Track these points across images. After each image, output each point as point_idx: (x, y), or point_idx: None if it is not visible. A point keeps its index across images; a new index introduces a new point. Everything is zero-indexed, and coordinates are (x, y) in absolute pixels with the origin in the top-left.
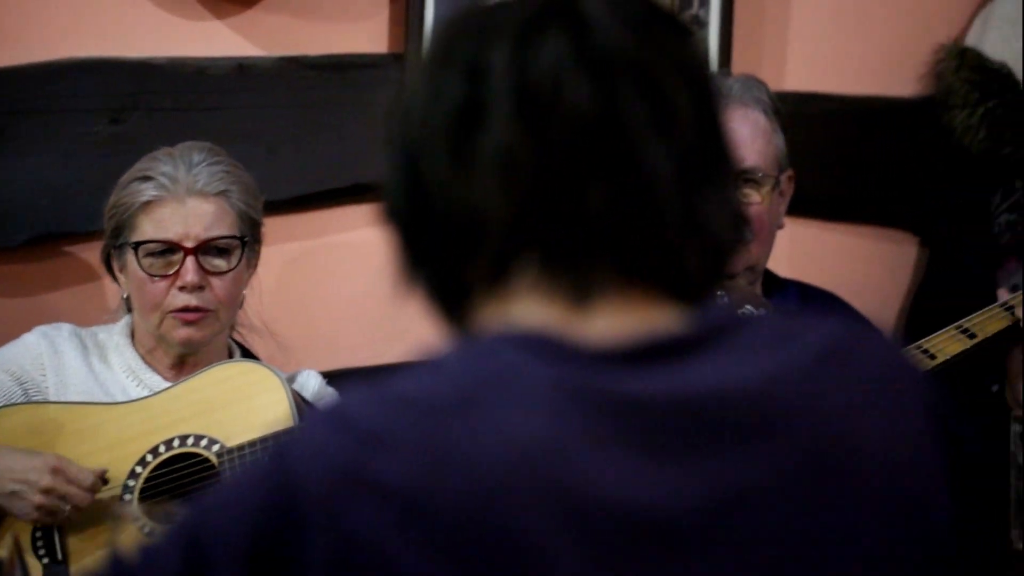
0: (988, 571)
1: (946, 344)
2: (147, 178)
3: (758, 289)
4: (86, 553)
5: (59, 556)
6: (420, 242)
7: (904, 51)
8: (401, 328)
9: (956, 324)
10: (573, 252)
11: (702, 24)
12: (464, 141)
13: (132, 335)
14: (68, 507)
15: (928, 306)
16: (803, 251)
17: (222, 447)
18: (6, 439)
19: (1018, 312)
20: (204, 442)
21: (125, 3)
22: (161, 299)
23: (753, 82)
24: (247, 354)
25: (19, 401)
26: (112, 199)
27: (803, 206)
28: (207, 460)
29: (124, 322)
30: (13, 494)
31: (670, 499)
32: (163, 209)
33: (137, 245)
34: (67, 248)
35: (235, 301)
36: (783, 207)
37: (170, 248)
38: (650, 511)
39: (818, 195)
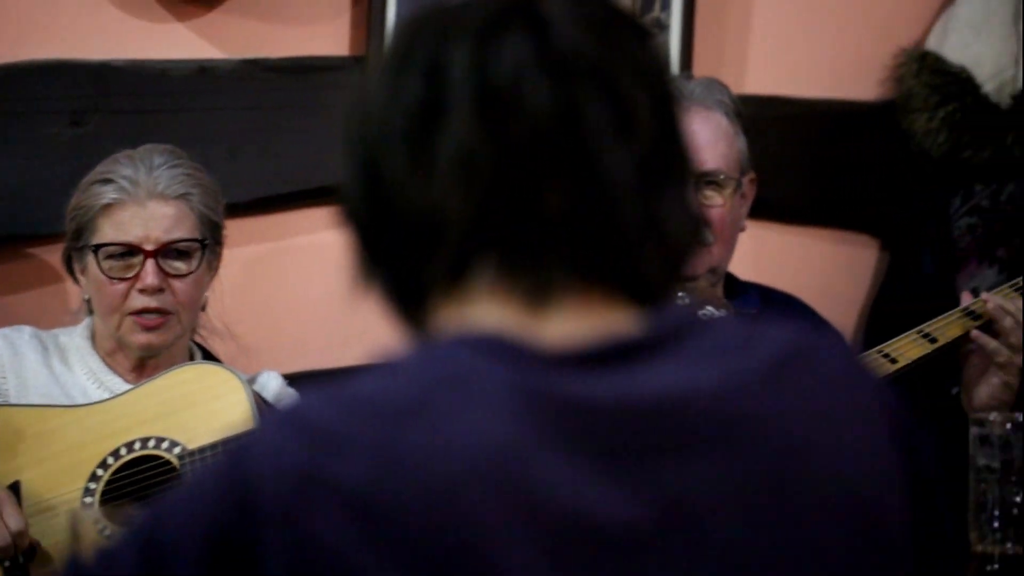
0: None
1: (907, 348)
2: (108, 181)
3: (720, 291)
4: (47, 559)
5: (20, 559)
6: (378, 242)
7: (865, 55)
8: (363, 330)
9: (918, 328)
10: (531, 253)
11: (663, 27)
12: (423, 141)
13: (93, 338)
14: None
15: (888, 308)
16: (764, 254)
17: (183, 449)
18: None
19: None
20: (165, 444)
21: (86, 5)
22: (121, 301)
23: (715, 85)
24: (208, 356)
25: None
26: (73, 201)
27: (764, 209)
28: (168, 463)
29: (85, 324)
30: None
31: (625, 506)
32: (123, 212)
33: (97, 247)
34: (28, 250)
35: (195, 304)
36: (745, 210)
37: (130, 250)
38: (605, 518)
39: (779, 198)
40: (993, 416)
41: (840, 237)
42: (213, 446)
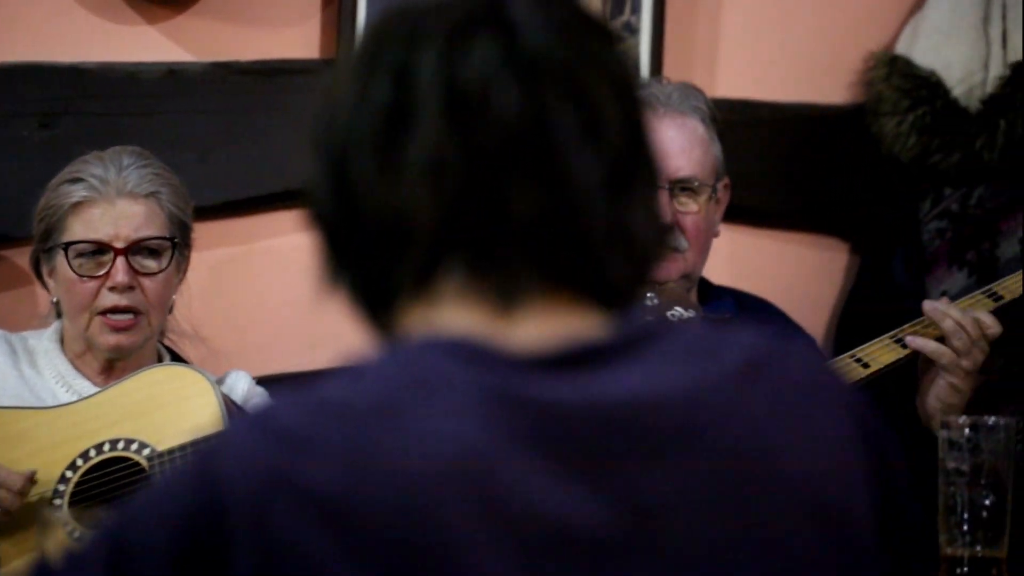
0: None
1: (880, 353)
2: (77, 180)
3: (694, 297)
4: (14, 558)
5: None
6: (346, 245)
7: (834, 59)
8: (331, 333)
9: (891, 333)
10: (499, 257)
11: (634, 30)
12: (391, 144)
13: (62, 341)
14: None
15: (859, 312)
16: (736, 258)
17: (152, 451)
18: None
19: (946, 324)
20: (135, 446)
21: (56, 8)
22: (90, 300)
23: (692, 90)
24: (177, 359)
25: None
26: (42, 202)
27: (734, 213)
28: (138, 464)
29: (54, 327)
30: None
31: (593, 509)
32: (93, 210)
33: (67, 245)
34: None
35: (165, 303)
36: (719, 215)
37: (100, 248)
38: (573, 521)
39: (748, 202)
40: (963, 419)
41: (810, 241)
42: (182, 448)
